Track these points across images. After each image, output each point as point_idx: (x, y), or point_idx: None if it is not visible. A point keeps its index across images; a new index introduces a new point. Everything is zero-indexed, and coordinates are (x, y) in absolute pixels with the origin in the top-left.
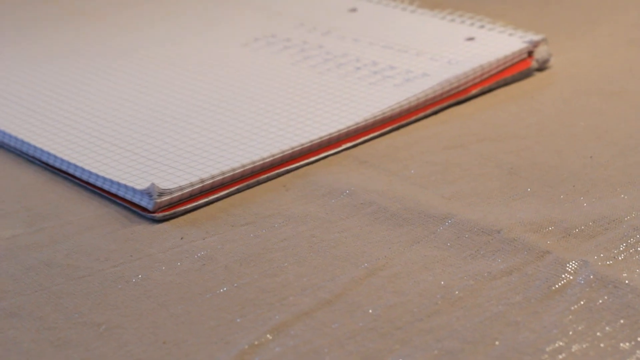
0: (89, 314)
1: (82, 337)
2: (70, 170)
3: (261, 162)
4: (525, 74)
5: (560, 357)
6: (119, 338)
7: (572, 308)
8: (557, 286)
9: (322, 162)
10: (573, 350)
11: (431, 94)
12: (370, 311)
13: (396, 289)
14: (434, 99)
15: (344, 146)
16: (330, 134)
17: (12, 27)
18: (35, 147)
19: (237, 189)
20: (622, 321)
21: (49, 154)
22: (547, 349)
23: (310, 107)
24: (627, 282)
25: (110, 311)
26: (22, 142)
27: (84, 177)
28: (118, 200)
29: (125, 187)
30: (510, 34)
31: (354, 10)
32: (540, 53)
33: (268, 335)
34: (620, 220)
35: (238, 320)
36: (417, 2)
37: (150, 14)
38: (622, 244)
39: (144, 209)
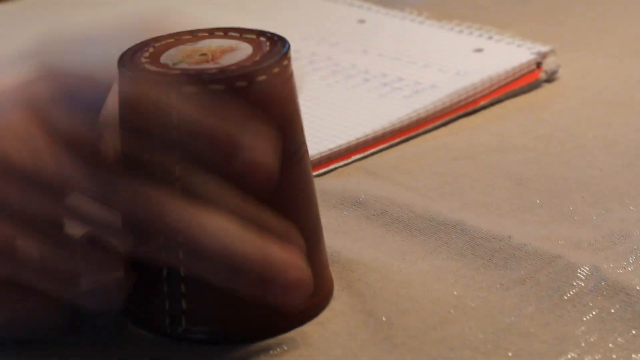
0: None
1: None
2: None
3: None
4: (534, 86)
5: None
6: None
7: (585, 319)
8: (569, 295)
9: (331, 173)
10: None
11: (440, 106)
12: (384, 319)
13: (410, 298)
14: (443, 110)
15: (353, 158)
16: (339, 146)
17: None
18: None
19: None
20: (633, 332)
21: None
22: None
23: (318, 119)
24: (638, 288)
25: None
26: None
27: None
28: None
29: None
30: (519, 45)
31: (362, 21)
32: (548, 64)
33: (283, 346)
34: (630, 235)
35: None
36: (425, 13)
37: None
38: (632, 257)
39: None
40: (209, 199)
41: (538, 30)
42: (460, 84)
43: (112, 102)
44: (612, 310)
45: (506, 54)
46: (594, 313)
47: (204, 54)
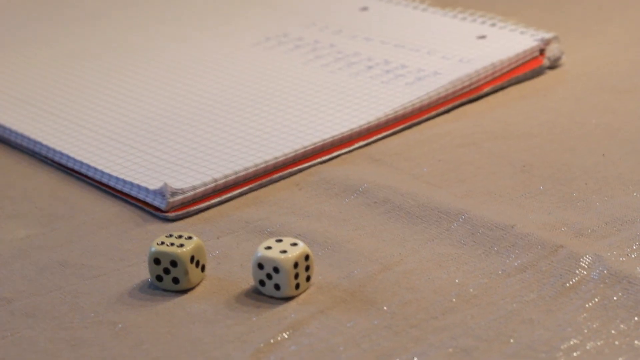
0: (105, 313)
1: (98, 336)
2: (83, 170)
3: (274, 162)
4: (537, 72)
5: (574, 354)
6: (135, 337)
7: (587, 306)
8: (571, 282)
9: (334, 160)
10: (588, 347)
11: (443, 93)
12: (385, 308)
13: (411, 287)
14: (446, 97)
15: (356, 145)
16: (342, 133)
17: (24, 29)
18: (47, 148)
19: (250, 188)
20: (636, 318)
21: (61, 153)
22: (562, 347)
23: (322, 106)
24: None
25: (127, 310)
26: (35, 142)
27: (97, 177)
28: (131, 200)
29: (139, 187)
30: (522, 32)
31: (365, 9)
32: (552, 51)
33: (284, 334)
34: (633, 221)
35: (254, 318)
36: (428, 0)
37: (161, 13)
38: (635, 243)
39: (157, 209)
40: None
41: (541, 17)
42: (463, 70)
43: None
44: (615, 298)
45: (509, 41)
46: (596, 300)
47: None
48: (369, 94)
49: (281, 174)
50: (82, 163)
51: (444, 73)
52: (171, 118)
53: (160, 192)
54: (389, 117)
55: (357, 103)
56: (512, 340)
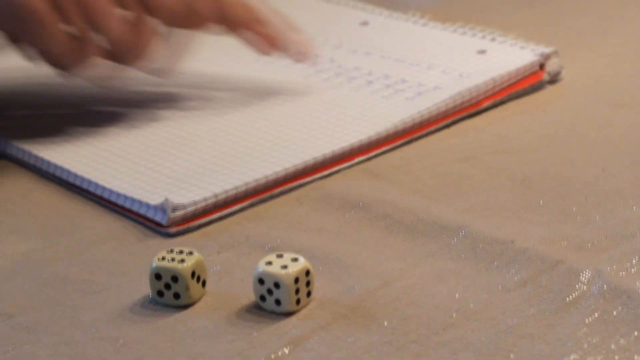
0: (106, 329)
1: (99, 351)
2: (84, 186)
3: (274, 177)
4: (537, 87)
5: None
6: (136, 352)
7: (587, 320)
8: (571, 297)
9: (335, 175)
10: None
11: (443, 107)
12: (386, 324)
13: (411, 302)
14: (446, 112)
15: (356, 160)
16: (342, 148)
17: None
18: (49, 163)
19: (251, 203)
20: (636, 333)
21: (62, 168)
22: None
23: (322, 121)
24: None
25: (128, 325)
26: (37, 157)
27: (98, 192)
28: (132, 215)
29: (140, 202)
30: (522, 47)
31: (365, 23)
32: (551, 65)
33: (285, 349)
34: (633, 235)
35: (255, 334)
36: (428, 15)
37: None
38: (635, 258)
39: (158, 224)
40: None
41: (541, 32)
42: (463, 85)
43: None
44: (615, 313)
45: (509, 56)
46: (596, 315)
47: None
48: (370, 109)
49: (282, 188)
50: (83, 178)
51: (444, 88)
52: (171, 133)
53: (162, 208)
54: (389, 132)
55: (357, 118)
56: (512, 355)
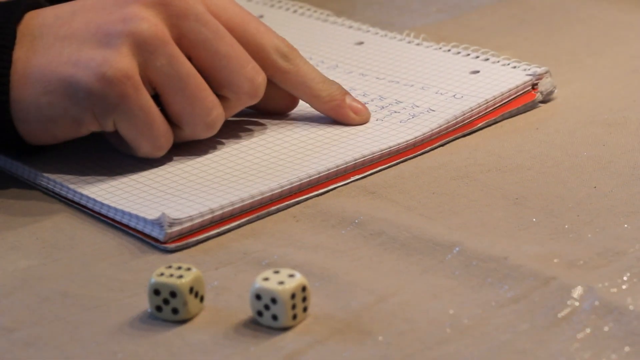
0: (105, 343)
1: None
2: (83, 202)
3: (269, 193)
4: (530, 106)
5: None
6: None
7: (578, 336)
8: (563, 313)
9: (331, 192)
10: None
11: (437, 130)
12: (381, 339)
13: (406, 317)
14: (439, 132)
15: (352, 178)
16: (337, 166)
17: None
18: (48, 179)
19: (248, 220)
20: (627, 349)
21: (62, 185)
22: None
23: (317, 141)
24: (631, 308)
25: (127, 340)
26: (36, 174)
27: (96, 208)
28: (131, 231)
29: (137, 217)
30: (515, 67)
31: (360, 43)
32: (544, 85)
33: None
34: (624, 252)
35: (252, 348)
36: (422, 35)
37: None
38: (626, 274)
39: (156, 240)
40: None
41: (534, 52)
42: (457, 107)
43: None
44: (606, 329)
45: (502, 76)
46: (587, 331)
47: None
48: (364, 130)
49: (278, 206)
50: (81, 194)
51: (437, 110)
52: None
53: (158, 223)
54: (384, 152)
55: (352, 139)
56: None
